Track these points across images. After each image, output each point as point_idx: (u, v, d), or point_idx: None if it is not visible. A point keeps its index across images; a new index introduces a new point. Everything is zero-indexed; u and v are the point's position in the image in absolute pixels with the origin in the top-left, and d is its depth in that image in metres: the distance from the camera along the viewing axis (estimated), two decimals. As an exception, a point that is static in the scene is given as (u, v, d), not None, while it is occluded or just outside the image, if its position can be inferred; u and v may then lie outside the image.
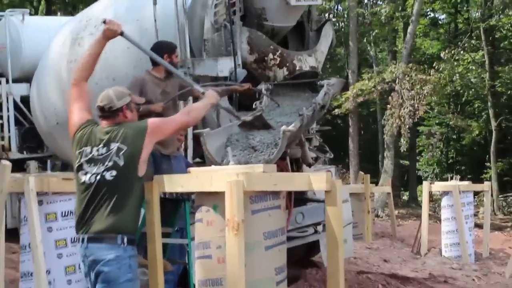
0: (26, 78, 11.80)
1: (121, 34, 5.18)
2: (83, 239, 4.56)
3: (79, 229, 4.61)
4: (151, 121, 4.76)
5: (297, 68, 8.45)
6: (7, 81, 12.10)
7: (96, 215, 4.53)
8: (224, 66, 7.95)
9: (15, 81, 12.09)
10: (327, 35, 9.01)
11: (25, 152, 12.34)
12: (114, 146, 4.60)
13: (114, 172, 4.55)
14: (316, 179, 4.56)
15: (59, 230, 6.26)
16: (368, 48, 29.74)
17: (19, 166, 11.87)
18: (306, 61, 8.57)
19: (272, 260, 4.45)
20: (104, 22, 5.14)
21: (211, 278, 4.41)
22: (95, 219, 4.53)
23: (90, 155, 4.64)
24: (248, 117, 6.28)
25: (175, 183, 4.74)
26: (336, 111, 23.30)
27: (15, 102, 12.24)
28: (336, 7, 31.81)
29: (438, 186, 13.31)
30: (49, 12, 27.46)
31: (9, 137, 12.30)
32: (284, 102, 7.90)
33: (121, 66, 8.71)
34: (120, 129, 4.65)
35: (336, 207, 4.54)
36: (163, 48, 7.04)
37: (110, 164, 4.57)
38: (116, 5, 9.54)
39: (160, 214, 6.16)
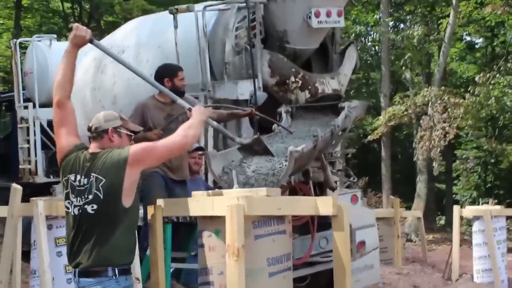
0: (52, 102, 11.84)
1: (90, 41, 4.82)
2: (74, 273, 4.36)
3: (70, 262, 4.42)
4: (134, 150, 4.37)
5: (320, 91, 8.39)
6: (34, 106, 12.19)
7: (83, 249, 4.30)
8: (244, 89, 7.92)
9: (42, 105, 12.15)
10: (351, 58, 8.94)
11: (51, 176, 12.38)
12: (93, 177, 4.33)
13: (95, 206, 4.29)
14: (322, 204, 4.44)
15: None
16: (404, 72, 29.51)
17: (46, 190, 11.95)
18: (329, 84, 8.50)
19: (276, 287, 4.32)
20: (71, 28, 4.78)
21: (213, 306, 4.28)
22: (82, 253, 4.30)
23: (74, 184, 4.41)
24: (246, 140, 6.05)
25: (177, 207, 4.63)
26: (370, 136, 23.14)
27: (41, 126, 12.32)
28: (371, 31, 31.75)
29: (469, 211, 12.98)
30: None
31: (36, 161, 12.39)
32: (305, 125, 7.80)
33: (142, 93, 8.71)
34: (101, 158, 4.37)
35: (343, 232, 4.42)
36: (163, 72, 7.06)
37: (90, 197, 4.31)
38: (138, 31, 9.58)
39: (174, 238, 6.13)
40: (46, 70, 12.28)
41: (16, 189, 6.59)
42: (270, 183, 5.31)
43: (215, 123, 5.57)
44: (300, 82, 8.23)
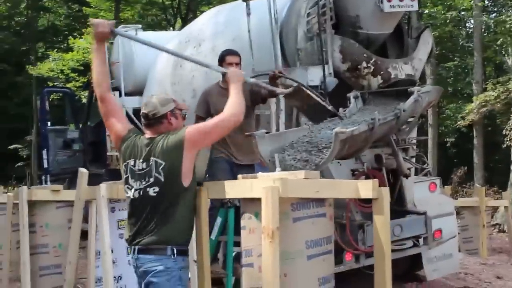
0: (138, 91, 12.13)
1: (112, 32, 4.89)
2: (133, 250, 4.49)
3: (130, 242, 4.55)
4: (189, 132, 4.47)
5: (392, 76, 8.28)
6: (120, 94, 12.47)
7: (144, 229, 4.44)
8: (314, 75, 7.90)
9: (128, 94, 12.41)
10: (426, 42, 8.77)
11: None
12: (152, 161, 4.45)
13: (156, 188, 4.42)
14: (363, 186, 4.39)
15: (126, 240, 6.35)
16: (506, 57, 28.62)
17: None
18: (402, 69, 8.37)
19: (315, 270, 4.26)
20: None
21: (254, 287, 4.30)
22: (144, 232, 4.44)
23: (133, 169, 4.53)
24: (287, 90, 5.90)
25: (221, 189, 4.67)
26: (460, 122, 22.64)
27: (128, 114, 12.58)
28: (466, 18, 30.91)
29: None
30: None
31: (122, 149, 12.69)
32: (375, 110, 7.72)
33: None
34: (159, 142, 4.49)
35: (383, 216, 4.34)
36: (218, 58, 7.09)
37: (152, 180, 4.44)
38: (214, 21, 9.70)
39: (237, 222, 6.19)
40: (131, 60, 12.54)
41: (83, 173, 6.81)
42: (313, 166, 5.28)
43: (252, 79, 5.55)
44: (372, 67, 8.13)
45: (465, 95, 31.02)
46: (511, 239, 15.28)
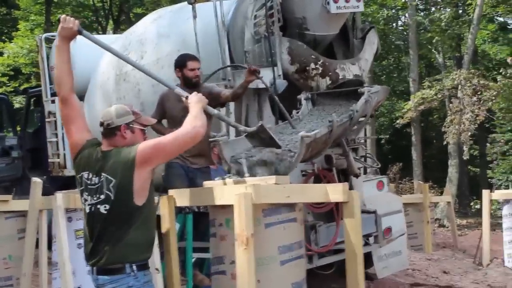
0: (79, 96, 11.84)
1: (79, 32, 4.63)
2: (92, 270, 4.31)
3: (87, 259, 4.37)
4: (140, 150, 4.21)
5: (340, 77, 8.35)
6: (60, 100, 12.24)
7: (99, 247, 4.24)
8: (264, 78, 7.87)
9: (68, 100, 12.20)
10: (372, 43, 8.88)
11: (79, 171, 12.44)
12: (103, 176, 4.24)
13: (107, 206, 4.22)
14: (332, 190, 4.39)
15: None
16: (436, 55, 29.19)
17: (74, 183, 12.04)
18: (350, 70, 8.45)
19: (288, 275, 4.26)
20: (59, 20, 4.55)
21: (226, 295, 4.26)
22: (99, 250, 4.24)
23: (87, 182, 4.32)
24: (251, 128, 5.75)
25: (188, 196, 4.61)
26: (399, 120, 23.00)
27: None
28: (400, 16, 31.44)
29: (499, 195, 12.91)
30: (116, 31, 27.85)
31: (64, 155, 12.48)
32: (325, 111, 7.77)
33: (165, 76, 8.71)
34: (111, 157, 4.27)
35: (354, 219, 4.36)
36: (175, 62, 7.01)
37: (102, 197, 4.23)
38: (158, 23, 9.58)
39: (196, 228, 6.15)
40: (71, 64, 12.29)
41: (36, 182, 6.67)
42: (281, 170, 5.26)
43: (215, 110, 5.43)
44: (321, 68, 8.18)
45: (397, 92, 31.57)
46: (454, 234, 15.61)
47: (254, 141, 5.63)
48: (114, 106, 4.48)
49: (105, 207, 4.22)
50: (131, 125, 4.39)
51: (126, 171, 4.19)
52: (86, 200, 4.34)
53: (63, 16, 4.63)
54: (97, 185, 4.26)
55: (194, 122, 4.32)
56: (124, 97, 9.66)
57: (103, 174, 4.24)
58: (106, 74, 10.25)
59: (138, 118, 4.47)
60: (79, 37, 4.69)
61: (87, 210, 4.32)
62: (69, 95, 4.54)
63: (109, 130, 4.35)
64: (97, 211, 4.26)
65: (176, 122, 6.57)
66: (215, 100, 6.71)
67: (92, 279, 4.36)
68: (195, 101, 4.54)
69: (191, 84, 6.69)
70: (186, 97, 4.73)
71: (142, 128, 4.49)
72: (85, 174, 4.35)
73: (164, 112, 6.94)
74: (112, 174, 4.21)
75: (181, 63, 6.95)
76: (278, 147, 5.44)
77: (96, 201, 4.26)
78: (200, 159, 6.96)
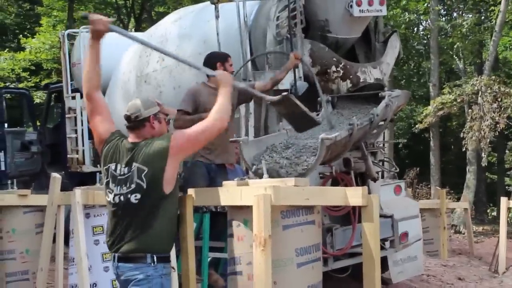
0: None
1: (110, 30, 4.67)
2: (114, 258, 4.43)
3: (110, 247, 4.48)
4: (175, 139, 4.39)
5: (361, 80, 8.33)
6: (81, 96, 12.30)
7: (124, 236, 4.37)
8: (284, 79, 7.88)
9: (89, 96, 12.27)
10: (394, 47, 8.85)
11: (98, 165, 12.50)
12: (135, 167, 4.36)
13: (138, 195, 4.33)
14: (352, 194, 4.40)
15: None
16: (457, 61, 29.10)
17: (92, 179, 12.13)
18: (371, 73, 8.42)
19: (305, 278, 4.26)
20: (86, 17, 4.62)
21: (242, 296, 4.26)
22: (124, 239, 4.36)
23: (115, 174, 4.45)
24: (276, 97, 5.70)
25: (207, 196, 4.63)
26: (418, 125, 22.93)
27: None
28: (422, 20, 31.31)
29: (516, 202, 12.87)
30: (138, 29, 27.94)
31: (83, 151, 12.57)
32: (346, 114, 7.77)
33: (187, 78, 8.76)
34: (142, 148, 4.41)
35: (373, 224, 4.35)
36: (215, 57, 7.04)
37: (133, 186, 4.35)
38: (180, 22, 9.61)
39: (212, 228, 6.15)
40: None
41: (55, 178, 6.70)
42: (300, 172, 5.27)
43: (241, 84, 5.51)
44: (342, 71, 8.17)
45: (416, 97, 31.45)
46: (470, 241, 15.52)
47: (281, 109, 5.69)
48: (138, 99, 4.62)
49: (135, 196, 4.34)
50: (158, 116, 4.56)
51: (160, 160, 4.33)
52: (112, 191, 4.44)
53: (91, 16, 4.67)
54: (126, 175, 4.38)
55: (218, 113, 4.47)
56: (145, 81, 9.72)
57: (134, 164, 4.37)
58: (127, 75, 10.30)
59: (161, 108, 4.67)
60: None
61: (115, 201, 4.42)
62: (95, 91, 4.66)
63: (138, 122, 4.50)
64: (126, 200, 4.37)
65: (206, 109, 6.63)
66: (242, 96, 6.83)
67: (112, 266, 4.48)
68: (223, 81, 4.66)
69: None
70: (214, 76, 4.89)
71: (165, 117, 4.67)
72: (112, 166, 4.47)
73: (197, 107, 6.94)
74: (145, 163, 4.34)
75: (223, 57, 7.02)
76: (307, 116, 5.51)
77: (126, 191, 4.37)
78: (225, 155, 6.97)
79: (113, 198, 4.43)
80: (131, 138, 4.52)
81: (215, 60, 6.94)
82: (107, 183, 4.50)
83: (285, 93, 5.74)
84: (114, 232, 4.43)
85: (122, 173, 4.41)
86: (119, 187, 4.40)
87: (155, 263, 4.31)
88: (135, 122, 4.50)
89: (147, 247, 4.31)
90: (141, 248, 4.31)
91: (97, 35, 4.65)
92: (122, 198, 4.39)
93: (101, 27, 4.60)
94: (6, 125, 15.00)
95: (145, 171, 4.33)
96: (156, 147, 4.36)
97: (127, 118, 4.52)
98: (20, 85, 25.43)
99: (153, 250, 4.32)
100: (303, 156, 5.62)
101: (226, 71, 6.80)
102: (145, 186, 4.32)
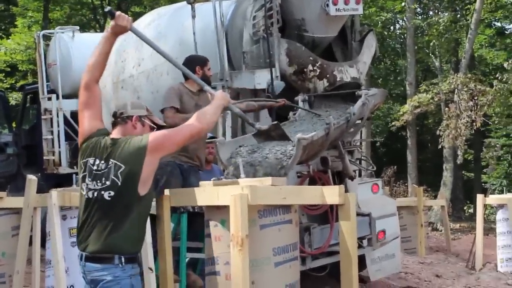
0: (76, 94, 11.78)
1: (132, 29, 4.67)
2: (81, 256, 4.36)
3: (78, 244, 4.42)
4: (153, 137, 4.33)
5: (338, 79, 8.35)
6: (58, 97, 12.25)
7: (92, 233, 4.29)
8: (261, 79, 7.90)
9: (65, 97, 12.21)
10: (370, 46, 8.88)
11: (75, 167, 12.40)
12: (112, 163, 4.31)
13: (112, 193, 4.27)
14: (329, 193, 4.40)
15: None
16: (433, 59, 29.23)
17: (69, 181, 12.05)
18: (347, 72, 8.44)
19: (282, 277, 4.26)
20: (112, 15, 4.53)
21: (219, 295, 4.25)
22: (92, 237, 4.29)
23: (92, 168, 4.38)
24: (264, 126, 5.90)
25: (184, 197, 4.61)
26: (394, 123, 23.05)
27: (65, 117, 12.35)
28: (398, 19, 31.46)
29: (493, 199, 12.94)
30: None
31: (59, 152, 12.47)
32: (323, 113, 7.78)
33: (165, 83, 8.73)
34: (121, 144, 4.35)
35: (350, 222, 4.36)
36: (194, 61, 7.02)
37: (108, 183, 4.29)
38: (157, 22, 9.57)
39: (190, 228, 6.13)
40: (69, 62, 12.31)
41: (31, 180, 6.65)
42: (277, 171, 5.26)
43: (237, 109, 5.51)
44: (318, 70, 8.17)
45: (393, 95, 31.60)
46: (447, 238, 15.63)
47: (260, 139, 5.69)
48: (131, 100, 4.78)
49: (109, 193, 4.28)
50: (142, 119, 4.55)
51: (137, 157, 4.27)
52: (87, 185, 4.37)
53: (119, 12, 4.60)
54: (103, 171, 4.32)
55: (203, 117, 4.43)
56: (123, 80, 9.66)
57: (111, 160, 4.32)
58: (103, 82, 10.19)
59: (150, 115, 4.63)
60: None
61: (89, 195, 4.35)
62: (94, 83, 4.56)
63: (122, 118, 4.51)
64: (100, 196, 4.31)
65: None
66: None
67: (79, 265, 4.40)
68: (219, 98, 4.64)
69: (207, 83, 6.66)
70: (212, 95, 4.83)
71: (153, 125, 4.62)
72: (90, 160, 4.40)
73: (181, 104, 6.91)
74: (122, 160, 4.29)
75: (202, 61, 7.06)
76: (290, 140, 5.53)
77: (100, 187, 4.31)
78: (197, 156, 6.95)
79: (87, 193, 4.36)
80: (113, 134, 4.49)
81: (194, 64, 6.93)
82: (83, 177, 4.42)
83: (275, 123, 5.76)
84: (82, 228, 4.36)
85: (99, 168, 4.35)
86: (94, 182, 4.34)
87: (123, 264, 4.24)
88: (119, 118, 4.52)
89: (115, 247, 4.24)
90: (109, 249, 4.24)
91: (117, 31, 4.57)
92: (96, 194, 4.32)
93: (125, 23, 4.55)
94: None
95: (122, 168, 4.28)
96: (133, 144, 4.32)
97: (113, 114, 4.55)
98: (-5, 86, 25.23)
99: (121, 251, 4.25)
100: (279, 156, 5.61)
101: (205, 75, 6.85)
102: (119, 184, 4.27)
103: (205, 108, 4.53)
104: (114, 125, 4.54)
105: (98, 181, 4.33)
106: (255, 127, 6.01)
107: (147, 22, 9.89)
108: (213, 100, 4.63)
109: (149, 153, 4.27)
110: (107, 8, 4.68)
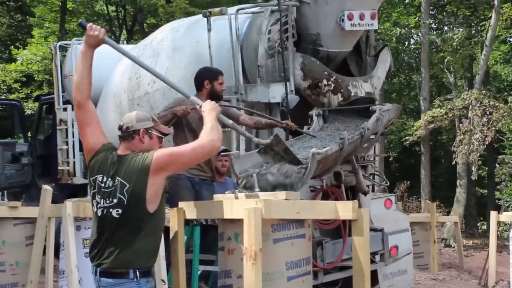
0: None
1: (104, 41, 4.63)
2: (96, 271, 4.34)
3: (92, 260, 4.40)
4: (157, 157, 4.24)
5: (352, 94, 8.36)
6: (73, 108, 12.31)
7: (106, 250, 4.29)
8: (276, 92, 7.93)
9: (81, 107, 12.28)
10: (385, 61, 8.90)
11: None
12: (118, 180, 4.27)
13: (119, 210, 4.26)
14: (342, 208, 4.41)
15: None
16: (448, 75, 29.19)
17: (83, 191, 12.11)
18: (362, 87, 8.46)
19: (295, 292, 4.29)
20: (83, 27, 4.54)
21: (232, 309, 4.26)
22: (105, 253, 4.28)
23: (101, 185, 4.36)
24: (265, 140, 5.82)
25: (198, 209, 4.62)
26: (408, 138, 23.03)
27: (81, 128, 12.41)
28: (413, 34, 31.42)
29: (507, 216, 12.86)
30: (130, 41, 27.94)
31: (74, 163, 12.56)
32: (337, 128, 7.79)
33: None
34: (126, 162, 4.31)
35: (363, 237, 4.37)
36: (204, 74, 7.06)
37: (115, 201, 4.26)
38: (173, 34, 9.63)
39: (202, 240, 6.14)
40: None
41: (46, 190, 6.70)
42: (291, 186, 5.27)
43: (229, 120, 5.50)
44: (333, 85, 8.20)
45: (407, 110, 31.54)
46: (460, 255, 15.55)
47: (267, 157, 5.65)
48: (135, 112, 4.57)
49: (117, 211, 4.26)
50: (149, 131, 4.47)
51: (140, 176, 4.22)
52: (98, 203, 4.37)
53: (90, 24, 4.63)
54: (111, 189, 4.30)
55: (211, 135, 4.30)
56: (139, 97, 9.72)
57: (117, 178, 4.29)
58: (118, 98, 10.30)
59: (157, 125, 4.56)
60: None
61: (99, 213, 4.35)
62: (86, 101, 4.56)
63: (128, 134, 4.43)
64: (109, 214, 4.29)
65: (192, 130, 6.65)
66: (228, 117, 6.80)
67: (94, 280, 4.39)
68: (208, 109, 4.54)
69: (216, 98, 6.63)
70: (200, 106, 4.73)
71: (160, 135, 4.56)
72: (99, 177, 4.38)
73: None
74: (127, 179, 4.25)
75: (213, 75, 7.05)
76: (296, 160, 5.48)
77: (108, 205, 4.29)
78: (207, 169, 6.97)
79: (97, 210, 4.36)
80: (120, 150, 4.45)
81: (204, 77, 6.97)
82: (94, 194, 4.42)
83: (274, 134, 5.77)
84: (96, 245, 4.36)
85: (107, 186, 4.33)
86: (103, 200, 4.33)
87: (138, 278, 4.23)
88: (125, 133, 4.44)
89: (129, 262, 4.24)
90: (123, 264, 4.24)
91: (91, 42, 4.61)
92: (105, 211, 4.31)
93: (96, 33, 4.57)
94: (-4, 136, 15.01)
95: (127, 187, 4.25)
96: (137, 163, 4.26)
97: (119, 128, 4.47)
98: (11, 96, 25.42)
99: (135, 266, 4.24)
100: (293, 170, 5.61)
101: (214, 90, 6.84)
102: (126, 202, 4.24)
103: (207, 125, 4.40)
104: (121, 139, 4.48)
105: (107, 199, 4.32)
106: (254, 141, 5.99)
107: (163, 35, 9.94)
108: (205, 116, 4.51)
109: (152, 174, 4.23)
110: (79, 21, 4.69)
